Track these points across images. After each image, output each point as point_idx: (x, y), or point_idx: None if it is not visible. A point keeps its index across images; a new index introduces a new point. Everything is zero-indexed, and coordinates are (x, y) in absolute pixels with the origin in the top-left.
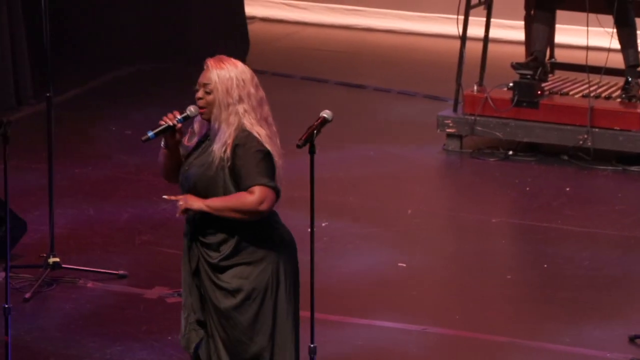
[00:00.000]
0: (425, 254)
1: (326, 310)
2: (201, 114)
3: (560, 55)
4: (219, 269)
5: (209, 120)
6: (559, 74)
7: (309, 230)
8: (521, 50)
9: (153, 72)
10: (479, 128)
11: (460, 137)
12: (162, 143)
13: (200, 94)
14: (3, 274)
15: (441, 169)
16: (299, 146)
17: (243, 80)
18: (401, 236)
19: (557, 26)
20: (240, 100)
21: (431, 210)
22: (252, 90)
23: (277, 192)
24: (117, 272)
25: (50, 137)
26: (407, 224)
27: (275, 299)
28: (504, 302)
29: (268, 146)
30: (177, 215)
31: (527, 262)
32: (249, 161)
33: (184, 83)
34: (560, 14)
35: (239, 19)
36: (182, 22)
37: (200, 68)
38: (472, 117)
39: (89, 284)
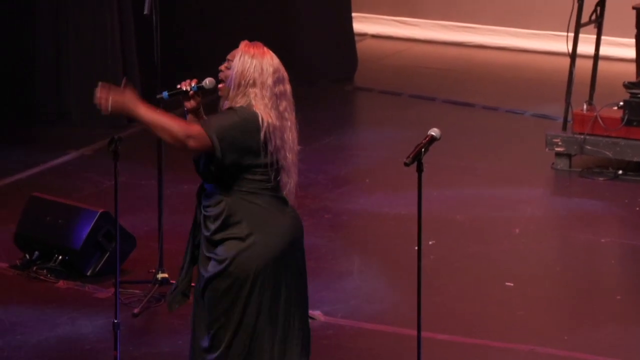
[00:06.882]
0: (533, 274)
1: (433, 329)
2: (219, 89)
3: None
4: (213, 243)
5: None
6: None
7: (416, 248)
8: (632, 69)
9: None
10: (588, 147)
11: (569, 156)
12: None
13: (222, 67)
14: (112, 290)
15: (550, 188)
16: (406, 164)
17: (262, 69)
18: (509, 255)
19: None
20: (254, 84)
21: (539, 230)
22: (269, 81)
23: (213, 143)
24: None
25: (160, 154)
26: (515, 243)
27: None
28: (614, 322)
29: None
30: (104, 111)
31: (637, 283)
32: (220, 114)
33: None
34: None
35: (348, 36)
36: (291, 39)
37: (308, 85)
38: (582, 136)
39: None
